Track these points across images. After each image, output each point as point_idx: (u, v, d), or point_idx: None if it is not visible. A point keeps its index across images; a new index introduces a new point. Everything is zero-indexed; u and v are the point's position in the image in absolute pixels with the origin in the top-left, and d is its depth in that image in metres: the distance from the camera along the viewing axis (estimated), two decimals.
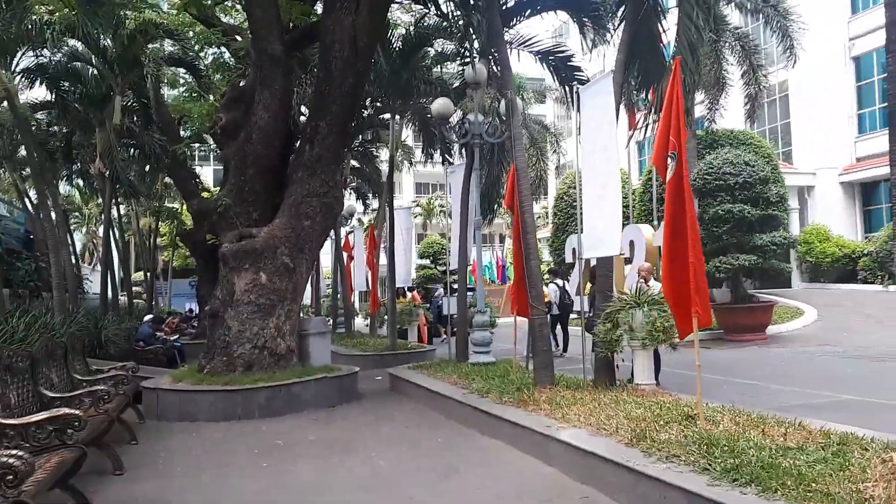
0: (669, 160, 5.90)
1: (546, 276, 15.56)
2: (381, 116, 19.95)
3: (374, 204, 31.57)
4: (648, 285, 9.27)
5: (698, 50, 7.80)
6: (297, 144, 11.61)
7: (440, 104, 10.55)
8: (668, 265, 5.92)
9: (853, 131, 24.93)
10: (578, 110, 7.83)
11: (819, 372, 10.25)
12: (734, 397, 8.32)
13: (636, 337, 7.26)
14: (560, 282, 14.30)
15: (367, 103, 17.75)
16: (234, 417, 8.47)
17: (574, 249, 19.46)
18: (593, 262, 8.39)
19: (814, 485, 3.83)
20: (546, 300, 13.74)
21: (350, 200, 27.18)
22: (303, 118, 14.56)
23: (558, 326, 13.85)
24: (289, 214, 10.16)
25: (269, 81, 10.88)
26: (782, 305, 17.32)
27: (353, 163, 23.66)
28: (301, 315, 11.81)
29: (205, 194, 15.95)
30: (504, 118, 10.57)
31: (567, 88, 12.16)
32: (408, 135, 27.10)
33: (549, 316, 13.19)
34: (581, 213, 7.63)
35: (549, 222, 33.10)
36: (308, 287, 30.93)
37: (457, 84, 14.79)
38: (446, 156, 18.38)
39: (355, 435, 7.45)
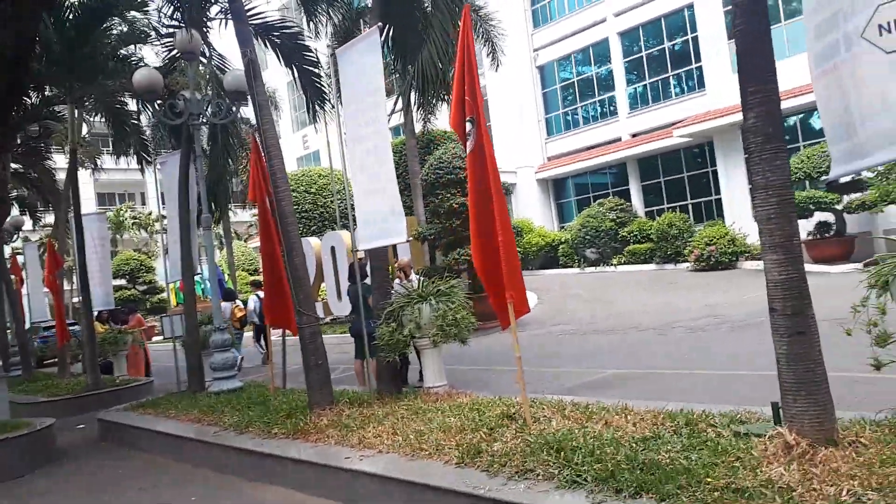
0: (468, 125, 5.06)
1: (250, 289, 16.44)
2: (54, 108, 16.34)
3: (48, 218, 26.42)
4: (410, 280, 8.52)
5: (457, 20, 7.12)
6: None
7: (144, 74, 8.40)
8: (479, 247, 5.07)
9: (543, 134, 27.68)
10: (337, 77, 6.65)
11: (571, 350, 10.52)
12: (512, 386, 7.90)
13: (425, 334, 6.32)
14: (261, 293, 14.43)
15: (30, 90, 14.29)
16: None
17: (333, 248, 17.99)
18: (360, 255, 7.29)
19: (711, 481, 3.22)
20: (242, 314, 14.73)
21: (14, 212, 22.13)
22: None
23: (262, 337, 14.66)
24: None
25: None
26: None
27: (15, 166, 19.13)
28: None
29: None
30: (227, 91, 8.86)
31: (294, 70, 10.86)
32: (88, 132, 22.94)
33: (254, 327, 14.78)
34: (351, 200, 6.46)
35: None
36: None
37: (158, 63, 12.41)
38: (143, 153, 15.58)
39: None
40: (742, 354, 8.20)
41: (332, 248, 17.13)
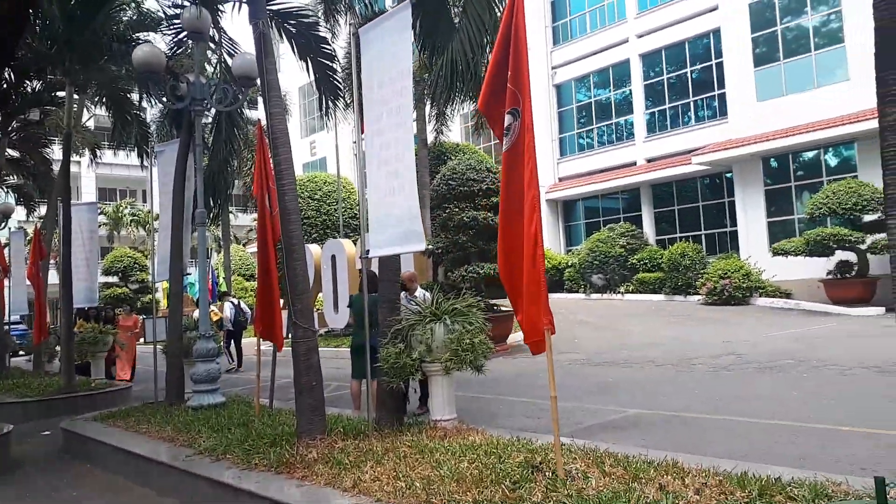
0: (509, 118, 4.32)
1: (219, 301, 17.36)
2: (55, 94, 15.70)
3: (43, 210, 25.77)
4: (415, 295, 7.78)
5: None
6: None
7: (145, 51, 7.68)
8: (507, 259, 4.33)
9: (556, 154, 27.01)
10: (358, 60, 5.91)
11: (583, 383, 9.69)
12: (523, 421, 7.19)
13: (437, 359, 5.54)
14: (235, 300, 16.07)
15: (31, 73, 13.62)
16: None
17: (334, 256, 17.14)
18: (366, 265, 6.52)
19: None
20: (218, 318, 15.12)
21: (9, 199, 21.44)
22: None
23: (232, 344, 15.43)
24: None
25: None
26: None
27: (11, 152, 18.43)
28: None
29: None
30: (235, 77, 8.12)
31: (308, 63, 10.19)
32: (90, 117, 22.26)
33: (224, 333, 15.33)
34: (364, 201, 5.71)
35: None
36: None
37: (166, 50, 11.74)
38: (143, 145, 14.87)
39: None
40: (780, 401, 7.41)
41: (333, 257, 16.35)
